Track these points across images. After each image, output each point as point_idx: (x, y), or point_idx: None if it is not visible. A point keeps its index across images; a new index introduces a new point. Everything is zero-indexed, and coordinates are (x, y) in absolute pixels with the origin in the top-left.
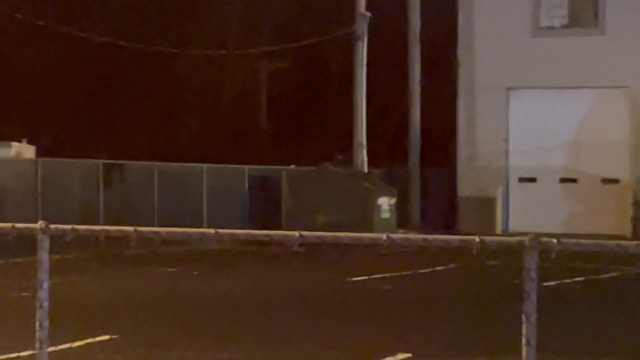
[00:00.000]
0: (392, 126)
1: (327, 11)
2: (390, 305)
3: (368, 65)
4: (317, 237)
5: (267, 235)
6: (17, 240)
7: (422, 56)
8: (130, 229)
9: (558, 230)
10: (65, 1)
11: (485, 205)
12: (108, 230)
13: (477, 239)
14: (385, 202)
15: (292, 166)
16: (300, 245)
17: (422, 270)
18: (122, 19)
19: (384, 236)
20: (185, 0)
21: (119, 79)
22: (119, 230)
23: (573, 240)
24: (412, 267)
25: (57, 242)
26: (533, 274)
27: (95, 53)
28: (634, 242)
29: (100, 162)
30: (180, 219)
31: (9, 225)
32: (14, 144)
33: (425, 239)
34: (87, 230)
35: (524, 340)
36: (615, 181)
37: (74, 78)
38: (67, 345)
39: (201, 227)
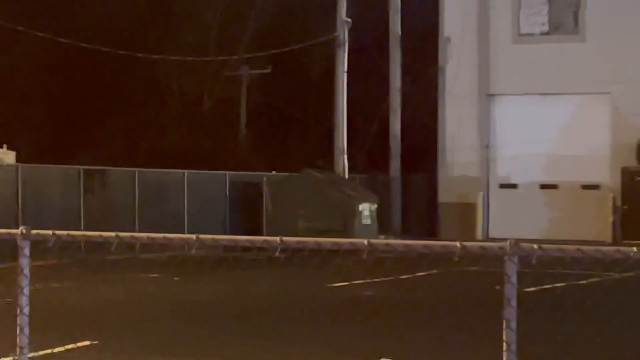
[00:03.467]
0: (373, 132)
1: (308, 18)
2: (371, 311)
3: (349, 71)
4: (298, 242)
5: (248, 241)
6: None
7: (404, 62)
8: (112, 234)
9: (539, 236)
10: (45, 6)
11: (466, 211)
12: (89, 236)
13: (458, 244)
14: (366, 208)
15: (273, 172)
16: (281, 251)
17: (403, 276)
18: (103, 25)
19: (365, 242)
20: (166, 7)
21: (99, 85)
22: (100, 236)
23: (553, 246)
24: (393, 273)
25: (38, 247)
26: (513, 280)
27: (76, 59)
28: (614, 248)
29: (81, 167)
30: (161, 225)
31: None
32: None
33: (406, 245)
34: (68, 235)
35: (504, 346)
36: (596, 187)
37: (54, 84)
38: (48, 351)
39: (182, 232)
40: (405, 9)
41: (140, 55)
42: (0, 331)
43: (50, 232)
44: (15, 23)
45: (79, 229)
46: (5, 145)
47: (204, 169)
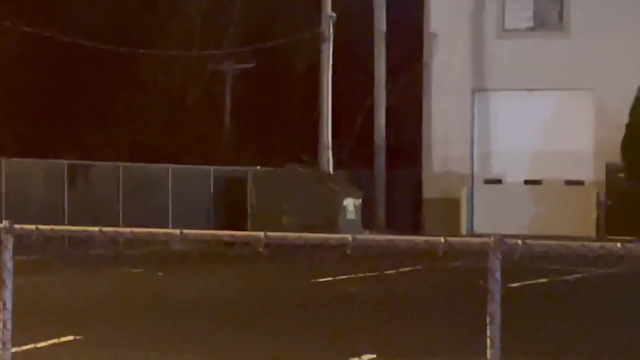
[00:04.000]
0: (357, 127)
1: (293, 13)
2: (355, 306)
3: (334, 66)
4: (282, 237)
5: (232, 236)
6: None
7: (388, 58)
8: (95, 229)
9: (523, 231)
10: (28, 1)
11: (451, 206)
12: (72, 231)
13: (442, 240)
14: (351, 204)
15: (258, 167)
16: (265, 246)
17: (387, 272)
18: (87, 20)
19: (350, 237)
20: (150, 1)
21: (83, 80)
22: (83, 231)
23: (537, 242)
24: (377, 268)
25: (22, 242)
26: (497, 275)
27: (59, 53)
28: (598, 244)
29: (65, 162)
30: (145, 220)
31: None
32: None
33: (390, 240)
34: (51, 230)
35: (488, 342)
36: (580, 183)
37: (38, 78)
38: (31, 346)
39: (166, 227)
40: (390, 4)
41: (123, 49)
42: None
43: (33, 226)
44: None
45: (62, 224)
46: None
47: (188, 164)
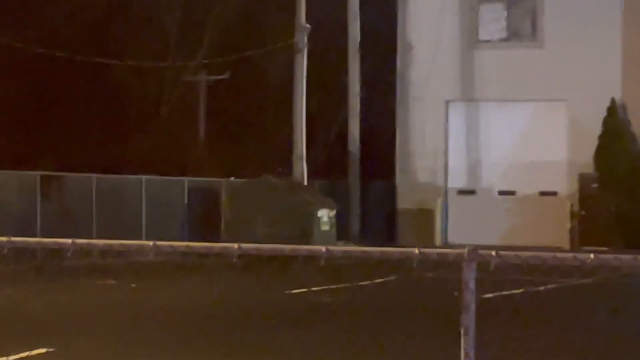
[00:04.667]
0: (332, 138)
1: (267, 23)
2: (328, 317)
3: (308, 77)
4: (256, 249)
5: (206, 247)
6: None
7: (363, 68)
8: (68, 240)
9: (497, 242)
10: (0, 10)
11: (425, 217)
12: (45, 242)
13: (416, 251)
14: (325, 214)
15: (232, 178)
16: (239, 257)
17: (361, 283)
18: (59, 30)
19: (323, 248)
20: (124, 12)
21: (56, 91)
22: (55, 242)
23: (511, 253)
24: (351, 279)
25: None
26: (471, 286)
27: (32, 63)
28: (571, 255)
29: (38, 174)
30: (118, 231)
31: None
32: None
33: (364, 252)
34: (23, 242)
35: (462, 353)
36: (553, 193)
37: (10, 89)
38: (3, 359)
39: (140, 239)
40: (365, 15)
41: (97, 60)
42: None
43: (5, 238)
44: None
45: (35, 235)
46: None
47: (162, 175)
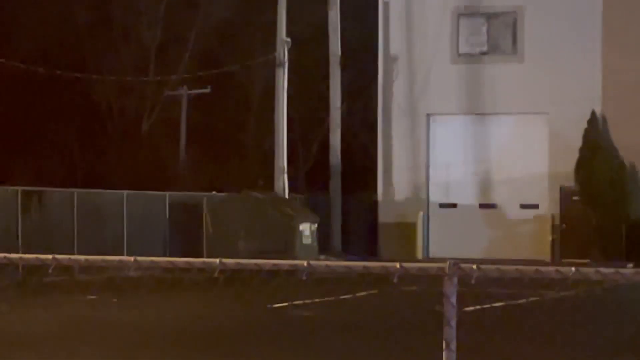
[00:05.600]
0: (313, 152)
1: (248, 37)
2: (310, 332)
3: (289, 91)
4: (237, 264)
5: (187, 263)
6: None
7: (344, 82)
8: (49, 256)
9: (478, 255)
10: None
11: (406, 231)
12: (25, 259)
13: (397, 265)
14: (307, 228)
15: (214, 193)
16: (221, 271)
17: (343, 296)
18: (40, 45)
19: (305, 263)
20: (105, 27)
21: (38, 106)
22: (36, 258)
23: (493, 267)
24: (333, 293)
25: None
26: (453, 300)
27: (15, 79)
28: (553, 268)
29: (19, 188)
30: (100, 247)
31: None
32: None
33: (346, 266)
34: (4, 258)
35: None
36: (534, 206)
37: None
38: None
39: (121, 254)
40: (345, 29)
41: (78, 75)
42: None
43: None
44: None
45: (16, 251)
46: None
47: (143, 190)
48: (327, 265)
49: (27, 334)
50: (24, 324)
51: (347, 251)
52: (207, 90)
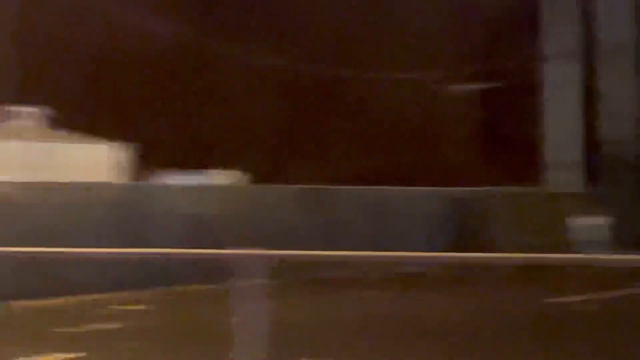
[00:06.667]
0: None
1: (510, 34)
2: (589, 330)
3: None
4: (525, 259)
5: (479, 258)
6: None
7: None
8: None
9: None
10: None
11: None
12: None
13: None
14: (591, 222)
15: (491, 187)
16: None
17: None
18: (312, 44)
19: (595, 257)
20: (380, 19)
21: (317, 105)
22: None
23: None
24: (615, 287)
25: None
26: None
27: (299, 80)
28: None
29: (307, 187)
30: (379, 244)
31: None
32: None
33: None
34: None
35: None
36: None
37: (274, 106)
38: None
39: (401, 250)
40: None
41: (346, 73)
42: None
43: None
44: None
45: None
46: None
47: (420, 187)
48: (620, 260)
49: (310, 329)
50: (307, 320)
51: None
52: (498, 84)
